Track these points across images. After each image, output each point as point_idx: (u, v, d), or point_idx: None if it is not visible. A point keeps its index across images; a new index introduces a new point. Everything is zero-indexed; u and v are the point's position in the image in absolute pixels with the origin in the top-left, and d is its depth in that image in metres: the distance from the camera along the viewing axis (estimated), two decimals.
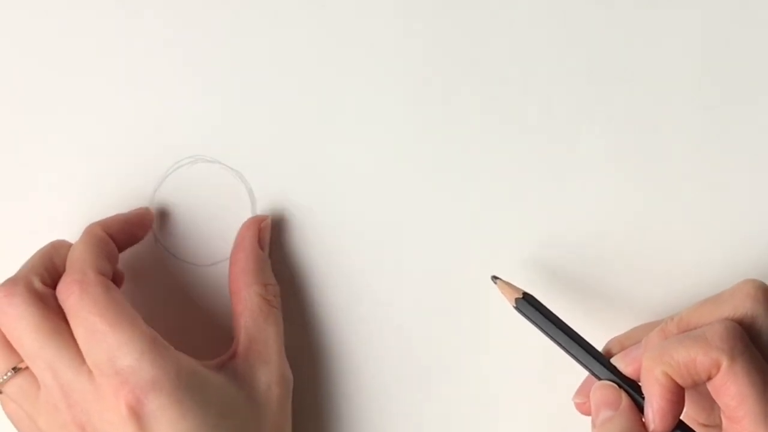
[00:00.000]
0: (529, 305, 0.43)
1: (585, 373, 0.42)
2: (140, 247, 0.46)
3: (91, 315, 0.40)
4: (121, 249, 0.44)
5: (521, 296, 0.43)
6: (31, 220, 0.47)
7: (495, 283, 0.44)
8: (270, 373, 0.43)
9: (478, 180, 0.47)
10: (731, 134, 0.47)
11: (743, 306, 0.39)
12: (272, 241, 0.46)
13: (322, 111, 0.46)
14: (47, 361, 0.40)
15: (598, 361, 0.42)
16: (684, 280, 0.47)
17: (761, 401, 0.37)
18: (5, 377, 0.42)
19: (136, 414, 0.39)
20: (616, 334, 0.44)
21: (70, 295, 0.41)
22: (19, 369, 0.41)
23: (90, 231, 0.44)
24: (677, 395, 0.39)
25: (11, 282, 0.41)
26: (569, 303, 0.46)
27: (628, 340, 0.42)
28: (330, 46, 0.46)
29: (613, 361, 0.41)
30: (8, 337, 0.41)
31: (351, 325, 0.47)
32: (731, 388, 0.38)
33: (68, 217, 0.47)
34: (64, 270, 0.42)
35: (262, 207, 0.47)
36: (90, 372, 0.40)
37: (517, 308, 0.43)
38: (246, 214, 0.47)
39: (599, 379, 0.41)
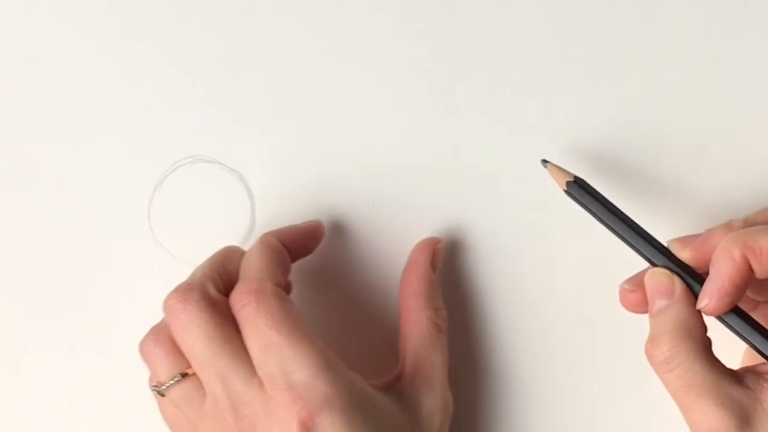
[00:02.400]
0: (581, 188, 0.42)
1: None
2: (139, 247, 0.46)
3: (267, 327, 0.39)
4: (293, 260, 0.44)
5: (572, 179, 0.42)
6: (29, 220, 0.47)
7: (545, 166, 0.43)
8: (434, 398, 0.43)
9: (480, 175, 0.47)
10: (735, 135, 0.47)
11: None
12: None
13: (322, 110, 0.46)
14: (218, 371, 0.39)
15: (652, 245, 0.40)
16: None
17: None
18: (172, 382, 0.41)
19: (307, 430, 0.38)
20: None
21: (245, 305, 0.40)
22: (186, 375, 0.41)
23: (266, 240, 0.43)
24: (744, 281, 0.38)
25: (186, 288, 0.41)
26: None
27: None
28: (330, 46, 0.46)
29: (668, 244, 0.41)
30: (179, 343, 0.41)
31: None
32: None
33: (67, 216, 0.47)
34: (236, 277, 0.42)
35: (262, 207, 0.47)
36: (261, 384, 0.39)
37: (567, 191, 0.42)
38: (246, 214, 0.47)
39: (654, 265, 0.41)
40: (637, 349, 0.41)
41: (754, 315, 0.41)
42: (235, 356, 0.40)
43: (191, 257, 0.47)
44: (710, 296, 0.39)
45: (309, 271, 0.47)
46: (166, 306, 0.41)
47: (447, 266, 0.47)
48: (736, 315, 0.39)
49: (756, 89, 0.46)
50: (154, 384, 0.42)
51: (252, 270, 0.41)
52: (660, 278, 0.40)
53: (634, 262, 0.42)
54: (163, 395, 0.41)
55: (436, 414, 0.42)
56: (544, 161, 0.44)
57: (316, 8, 0.46)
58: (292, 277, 0.45)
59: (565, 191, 0.42)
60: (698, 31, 0.46)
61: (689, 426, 0.39)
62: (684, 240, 0.41)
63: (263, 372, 0.39)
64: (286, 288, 0.42)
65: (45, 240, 0.47)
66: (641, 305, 0.41)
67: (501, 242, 0.47)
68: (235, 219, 0.47)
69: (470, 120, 0.46)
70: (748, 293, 0.42)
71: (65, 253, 0.47)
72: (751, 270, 0.39)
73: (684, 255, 0.40)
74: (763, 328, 0.40)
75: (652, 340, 0.39)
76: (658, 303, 0.40)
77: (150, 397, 0.47)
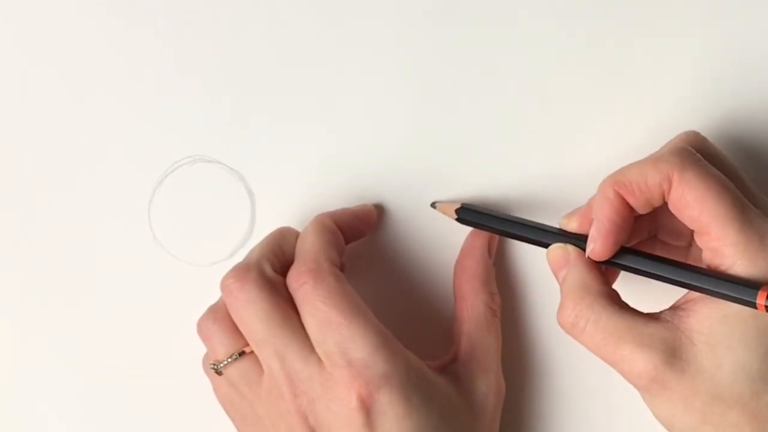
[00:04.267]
0: (470, 211, 0.44)
1: None
2: (139, 247, 0.46)
3: (324, 305, 0.40)
4: (346, 243, 0.44)
5: (459, 207, 0.44)
6: (29, 220, 0.47)
7: (435, 208, 0.45)
8: (488, 382, 0.43)
9: (480, 177, 0.47)
10: (735, 136, 0.47)
11: (684, 143, 0.40)
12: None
13: (322, 110, 0.46)
14: (276, 349, 0.40)
15: (547, 231, 0.42)
16: None
17: (722, 202, 0.37)
18: (229, 360, 0.41)
19: (366, 407, 0.39)
20: None
21: (303, 284, 0.40)
22: (244, 353, 0.41)
23: (320, 221, 0.43)
24: (622, 218, 0.39)
25: (243, 267, 0.41)
26: None
27: None
28: (330, 46, 0.46)
29: (559, 223, 0.42)
30: (237, 322, 0.41)
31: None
32: (688, 197, 0.37)
33: (67, 216, 0.47)
34: (291, 257, 0.42)
35: (262, 207, 0.47)
36: (319, 362, 0.40)
37: (459, 219, 0.44)
38: (246, 214, 0.47)
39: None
40: None
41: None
42: (293, 334, 0.40)
43: (191, 257, 0.47)
44: (594, 240, 0.39)
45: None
46: (224, 285, 0.41)
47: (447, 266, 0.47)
48: (631, 254, 0.40)
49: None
50: (212, 362, 0.42)
51: (308, 250, 0.42)
52: (555, 253, 0.41)
53: None
54: (220, 374, 0.42)
55: (490, 396, 0.43)
56: (433, 204, 0.45)
57: (316, 8, 0.46)
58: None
59: (456, 219, 0.44)
60: (699, 32, 0.46)
61: (626, 379, 0.39)
62: (571, 213, 0.42)
63: (321, 349, 0.40)
64: (341, 269, 0.42)
65: (45, 240, 0.47)
66: None
67: (505, 241, 0.47)
68: (235, 219, 0.47)
69: (470, 120, 0.46)
70: (668, 240, 0.43)
71: (65, 253, 0.47)
72: (628, 206, 0.39)
73: (572, 226, 0.41)
74: (664, 258, 0.40)
75: (559, 309, 0.40)
76: (560, 275, 0.41)
77: (149, 396, 0.47)
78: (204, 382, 0.44)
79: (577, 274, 0.40)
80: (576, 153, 0.46)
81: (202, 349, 0.43)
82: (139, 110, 0.46)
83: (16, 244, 0.47)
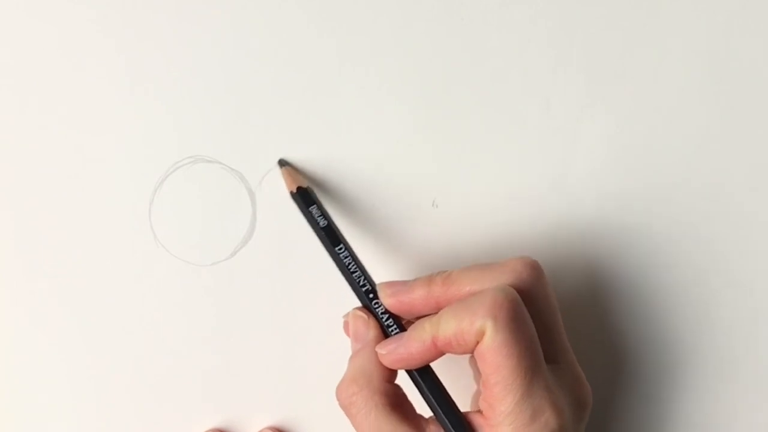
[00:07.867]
0: (308, 198, 0.43)
1: None
2: (140, 247, 0.46)
3: None
4: None
5: (304, 186, 0.44)
6: (29, 220, 0.47)
7: (281, 168, 0.45)
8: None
9: (479, 177, 0.47)
10: (733, 135, 0.47)
11: (508, 278, 0.40)
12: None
13: (322, 111, 0.46)
14: None
15: (363, 276, 0.42)
16: None
17: (516, 370, 0.38)
18: None
19: None
20: None
21: None
22: None
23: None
24: (431, 358, 0.40)
25: None
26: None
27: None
28: (330, 46, 0.46)
29: (378, 286, 0.42)
30: None
31: None
32: (489, 356, 0.39)
33: (68, 216, 0.47)
34: None
35: (262, 207, 0.47)
36: None
37: (293, 195, 0.44)
38: (246, 214, 0.47)
39: (361, 301, 0.42)
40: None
41: None
42: None
43: (191, 257, 0.47)
44: (391, 353, 0.41)
45: (308, 271, 0.47)
46: None
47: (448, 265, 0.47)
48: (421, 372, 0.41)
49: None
50: None
51: None
52: (357, 323, 0.42)
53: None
54: None
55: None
56: (281, 162, 0.45)
57: (316, 8, 0.46)
58: (294, 274, 0.45)
59: (291, 193, 0.44)
60: (699, 32, 0.46)
61: None
62: (391, 286, 0.42)
63: None
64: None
65: (45, 240, 0.47)
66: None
67: (506, 241, 0.47)
68: (235, 219, 0.47)
69: (470, 119, 0.47)
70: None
71: (66, 253, 0.47)
72: (441, 352, 0.40)
73: (387, 302, 0.42)
74: (442, 390, 0.41)
75: (341, 382, 0.41)
76: (354, 346, 0.42)
77: (150, 396, 0.47)
78: (203, 380, 0.44)
79: (367, 359, 0.41)
80: (576, 154, 0.47)
81: (202, 349, 0.43)
82: (139, 110, 0.46)
83: (16, 244, 0.47)
